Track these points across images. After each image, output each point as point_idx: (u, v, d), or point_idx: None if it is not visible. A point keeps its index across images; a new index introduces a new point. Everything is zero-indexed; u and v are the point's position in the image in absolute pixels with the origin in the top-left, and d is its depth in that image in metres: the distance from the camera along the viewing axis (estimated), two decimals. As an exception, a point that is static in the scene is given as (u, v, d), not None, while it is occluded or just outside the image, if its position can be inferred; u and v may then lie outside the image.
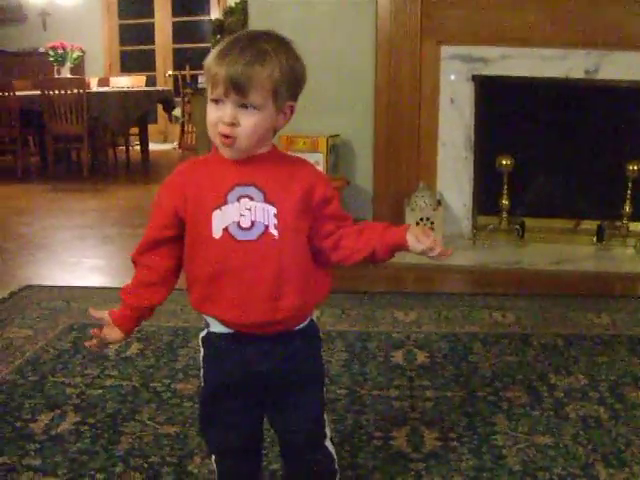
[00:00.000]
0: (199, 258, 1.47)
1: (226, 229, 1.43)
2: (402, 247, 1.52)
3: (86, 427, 2.24)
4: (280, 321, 1.47)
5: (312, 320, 1.57)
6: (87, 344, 1.61)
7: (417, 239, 1.49)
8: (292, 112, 1.47)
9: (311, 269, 1.51)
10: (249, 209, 1.43)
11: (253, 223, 1.43)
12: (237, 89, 1.37)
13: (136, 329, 1.62)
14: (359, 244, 1.52)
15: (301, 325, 1.53)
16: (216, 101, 1.40)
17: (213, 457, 1.65)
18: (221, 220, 1.43)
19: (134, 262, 1.56)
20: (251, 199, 1.43)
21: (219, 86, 1.38)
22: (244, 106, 1.39)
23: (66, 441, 2.16)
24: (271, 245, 1.43)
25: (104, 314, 1.57)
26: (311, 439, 1.60)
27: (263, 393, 1.55)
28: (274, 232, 1.43)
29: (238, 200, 1.43)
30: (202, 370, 1.58)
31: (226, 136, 1.40)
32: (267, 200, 1.43)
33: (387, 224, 1.54)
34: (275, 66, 1.38)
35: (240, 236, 1.43)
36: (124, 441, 2.16)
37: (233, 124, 1.39)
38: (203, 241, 1.45)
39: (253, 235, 1.43)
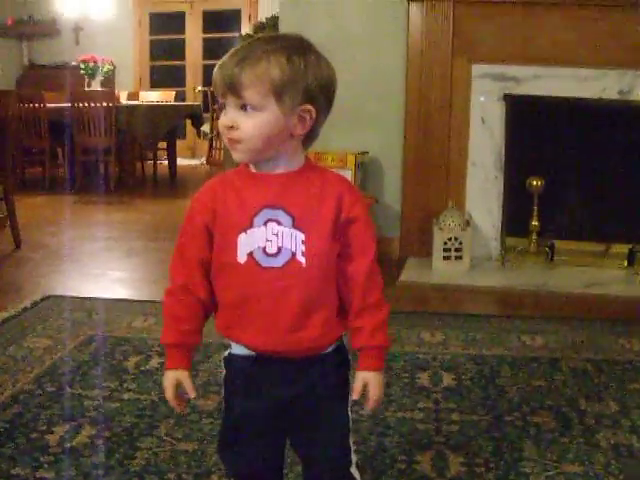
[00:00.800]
0: (223, 282, 1.41)
1: (251, 254, 1.36)
2: (358, 366, 1.45)
3: (101, 441, 2.19)
4: (304, 350, 1.41)
5: (341, 341, 1.49)
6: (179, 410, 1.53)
7: (365, 387, 1.44)
8: (313, 118, 1.37)
9: (337, 298, 1.44)
10: (276, 234, 1.36)
11: (280, 249, 1.36)
12: (231, 89, 1.32)
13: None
14: (357, 320, 1.43)
15: (329, 349, 1.45)
16: (222, 106, 1.36)
17: None
18: (246, 244, 1.37)
19: (178, 289, 1.46)
20: (279, 223, 1.36)
21: (218, 91, 1.35)
22: (244, 108, 1.33)
23: (81, 454, 2.11)
24: (297, 273, 1.36)
25: (170, 382, 1.46)
26: (337, 466, 1.52)
27: (287, 418, 1.48)
28: (301, 259, 1.36)
29: (265, 224, 1.36)
30: (224, 391, 1.51)
31: (230, 139, 1.35)
32: (296, 225, 1.36)
33: (370, 339, 1.43)
34: (271, 65, 1.31)
35: (265, 262, 1.36)
36: (140, 456, 2.11)
37: (232, 127, 1.34)
38: (228, 265, 1.39)
39: (279, 262, 1.36)
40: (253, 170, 1.41)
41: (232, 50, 1.35)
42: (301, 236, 1.36)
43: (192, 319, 1.45)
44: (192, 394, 1.46)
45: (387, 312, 1.45)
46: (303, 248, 1.36)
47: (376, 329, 1.43)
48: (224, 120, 1.35)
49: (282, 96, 1.32)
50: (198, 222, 1.42)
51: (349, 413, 1.51)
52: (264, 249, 1.36)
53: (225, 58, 1.34)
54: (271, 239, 1.36)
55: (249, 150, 1.35)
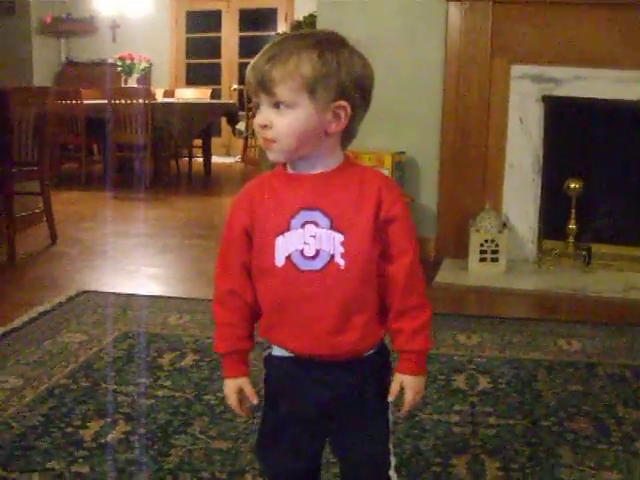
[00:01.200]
0: (262, 285, 1.40)
1: (289, 257, 1.34)
2: (397, 368, 1.44)
3: (136, 437, 2.20)
4: (344, 353, 1.39)
5: (383, 343, 1.46)
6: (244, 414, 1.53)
7: (402, 389, 1.43)
8: (348, 115, 1.34)
9: (377, 299, 1.41)
10: (314, 236, 1.34)
11: (318, 252, 1.34)
12: (263, 87, 1.30)
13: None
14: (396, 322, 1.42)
15: (370, 351, 1.43)
16: (256, 105, 1.34)
17: None
18: (284, 247, 1.35)
19: (221, 294, 1.45)
20: (317, 225, 1.34)
21: (251, 89, 1.33)
22: (277, 106, 1.31)
23: (115, 450, 2.11)
24: (336, 276, 1.34)
25: (233, 392, 1.46)
26: (376, 469, 1.50)
27: (326, 420, 1.46)
28: (340, 262, 1.33)
29: (302, 226, 1.34)
30: (265, 390, 1.49)
31: (264, 139, 1.33)
32: (334, 227, 1.34)
33: (408, 342, 1.41)
34: (302, 61, 1.29)
35: (303, 266, 1.34)
36: (174, 454, 2.10)
37: (266, 126, 1.32)
38: (266, 268, 1.37)
39: (317, 265, 1.34)
40: (290, 171, 1.39)
41: (264, 48, 1.34)
42: (340, 237, 1.34)
43: (242, 324, 1.44)
44: (254, 400, 1.45)
45: (429, 314, 1.43)
46: (342, 250, 1.33)
47: (416, 332, 1.41)
48: (258, 119, 1.33)
49: (314, 92, 1.30)
50: (237, 226, 1.41)
51: (390, 416, 1.49)
52: (302, 252, 1.34)
53: (257, 57, 1.33)
54: (309, 242, 1.34)
55: (284, 149, 1.34)
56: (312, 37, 1.34)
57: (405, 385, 1.42)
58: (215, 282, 1.46)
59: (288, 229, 1.34)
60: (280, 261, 1.35)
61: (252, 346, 1.46)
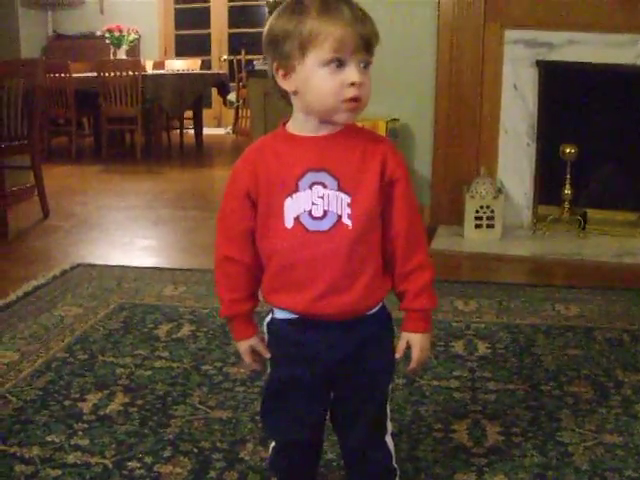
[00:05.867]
0: (268, 248, 1.39)
1: (297, 218, 1.35)
2: (403, 327, 1.48)
3: (135, 409, 2.18)
4: (350, 312, 1.39)
5: (384, 305, 1.48)
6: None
7: (409, 348, 1.46)
8: None
9: (381, 260, 1.42)
10: (322, 197, 1.34)
11: (325, 212, 1.34)
12: (367, 46, 1.30)
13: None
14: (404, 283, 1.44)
15: (372, 310, 1.44)
16: (337, 63, 1.28)
17: (272, 444, 1.57)
18: (293, 208, 1.35)
19: (220, 260, 1.46)
20: (324, 187, 1.34)
21: (346, 47, 1.28)
22: (366, 65, 1.31)
23: (114, 422, 2.10)
24: (344, 236, 1.35)
25: (246, 351, 1.51)
26: (372, 432, 1.52)
27: (331, 383, 1.47)
28: (348, 222, 1.34)
29: (310, 187, 1.34)
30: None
31: (355, 99, 1.30)
32: (341, 188, 1.34)
33: (413, 302, 1.44)
34: (373, 22, 1.34)
35: (311, 226, 1.34)
36: (173, 424, 2.09)
37: (361, 85, 1.30)
38: (273, 230, 1.37)
39: (325, 226, 1.34)
40: (294, 132, 1.38)
41: (325, 3, 1.29)
42: (347, 199, 1.34)
43: (243, 286, 1.46)
44: (267, 355, 1.49)
45: (431, 274, 1.45)
46: (349, 211, 1.34)
47: (421, 291, 1.43)
48: (355, 76, 1.29)
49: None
50: (240, 191, 1.39)
51: (391, 380, 1.52)
52: (310, 213, 1.34)
53: (335, 11, 1.28)
54: (317, 202, 1.34)
55: (361, 109, 1.34)
56: None
57: (411, 343, 1.46)
58: (215, 248, 1.46)
59: (297, 190, 1.35)
60: (289, 222, 1.35)
61: (254, 304, 1.49)
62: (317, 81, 1.29)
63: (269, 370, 1.52)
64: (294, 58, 1.30)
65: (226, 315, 1.49)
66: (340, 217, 1.34)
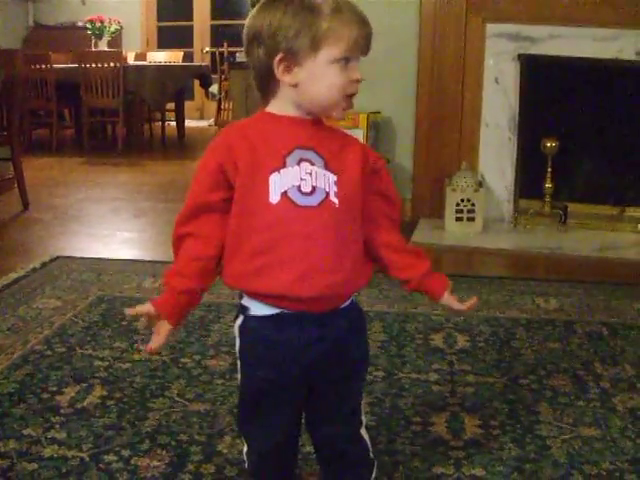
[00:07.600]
0: (248, 227, 1.34)
1: (285, 193, 1.32)
2: (433, 297, 1.54)
3: (113, 402, 2.17)
4: (336, 295, 1.38)
5: (353, 300, 1.46)
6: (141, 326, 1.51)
7: (455, 302, 1.54)
8: None
9: (362, 246, 1.43)
10: (310, 173, 1.34)
11: (314, 188, 1.34)
12: (368, 46, 1.37)
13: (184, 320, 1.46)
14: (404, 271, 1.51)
15: (345, 303, 1.42)
16: (345, 61, 1.34)
17: (245, 449, 1.55)
18: (279, 184, 1.33)
19: (177, 238, 1.41)
20: (312, 164, 1.34)
21: (358, 47, 1.35)
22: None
23: (92, 415, 2.09)
24: (332, 213, 1.34)
25: (144, 307, 1.38)
26: (348, 427, 1.51)
27: (306, 383, 1.44)
28: (334, 200, 1.34)
29: (298, 164, 1.34)
30: (241, 362, 1.44)
31: (352, 95, 1.37)
32: (327, 167, 1.35)
33: (427, 264, 1.53)
34: None
35: (301, 201, 1.33)
36: (151, 417, 2.08)
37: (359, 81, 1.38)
38: (256, 207, 1.33)
39: (314, 201, 1.33)
40: (283, 113, 1.38)
41: (345, 5, 1.35)
42: (333, 177, 1.35)
43: (191, 273, 1.39)
44: (153, 345, 1.39)
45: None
46: (336, 189, 1.35)
47: (418, 260, 1.53)
48: (356, 75, 1.36)
49: None
50: (212, 165, 1.36)
51: (367, 368, 1.55)
52: (299, 187, 1.33)
53: (342, 10, 1.33)
54: (305, 178, 1.34)
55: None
56: None
57: (448, 299, 1.53)
58: (178, 221, 1.41)
59: (284, 166, 1.34)
60: (275, 197, 1.33)
61: (197, 302, 1.42)
62: (330, 77, 1.33)
63: (241, 378, 1.46)
64: (304, 53, 1.32)
65: (177, 287, 1.39)
66: (328, 194, 1.34)
